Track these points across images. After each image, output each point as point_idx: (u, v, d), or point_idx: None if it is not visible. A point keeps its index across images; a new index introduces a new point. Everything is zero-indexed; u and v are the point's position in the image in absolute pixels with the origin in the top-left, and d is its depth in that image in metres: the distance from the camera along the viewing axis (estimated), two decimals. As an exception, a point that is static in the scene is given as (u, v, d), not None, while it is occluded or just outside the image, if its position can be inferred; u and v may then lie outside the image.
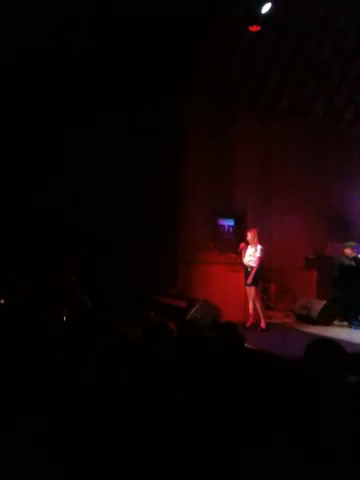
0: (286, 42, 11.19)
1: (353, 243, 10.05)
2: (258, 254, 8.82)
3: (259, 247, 8.86)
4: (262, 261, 8.86)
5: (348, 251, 9.83)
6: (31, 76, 9.50)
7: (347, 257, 9.82)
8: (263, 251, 8.84)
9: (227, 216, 11.85)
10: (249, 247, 8.95)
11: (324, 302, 9.65)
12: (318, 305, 9.60)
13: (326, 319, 9.49)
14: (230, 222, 11.98)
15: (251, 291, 8.83)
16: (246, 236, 9.09)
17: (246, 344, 4.08)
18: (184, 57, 10.39)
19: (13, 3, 8.59)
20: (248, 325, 8.69)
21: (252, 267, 8.82)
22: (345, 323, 9.56)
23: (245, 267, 8.96)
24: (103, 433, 2.50)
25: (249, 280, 8.80)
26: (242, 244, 9.01)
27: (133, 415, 2.57)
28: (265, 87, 11.69)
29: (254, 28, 9.90)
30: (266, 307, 9.84)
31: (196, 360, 3.20)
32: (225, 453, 2.26)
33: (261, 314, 8.83)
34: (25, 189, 9.79)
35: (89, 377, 3.08)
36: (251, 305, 8.86)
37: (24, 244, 9.43)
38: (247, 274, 8.88)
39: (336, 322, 9.61)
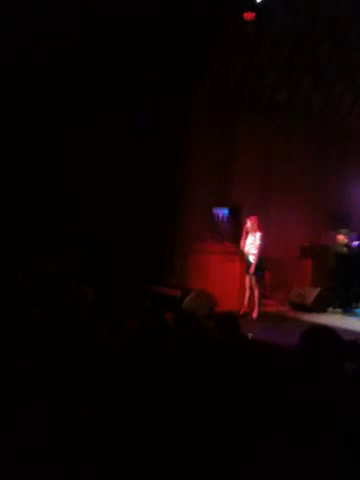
0: (285, 39, 11.15)
1: (345, 230, 10.08)
2: (258, 242, 8.78)
3: (259, 234, 8.80)
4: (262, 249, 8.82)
5: (340, 237, 9.85)
6: (31, 76, 9.44)
7: (340, 244, 9.86)
8: (263, 238, 8.81)
9: (224, 205, 11.86)
10: (249, 235, 8.90)
11: (318, 290, 9.72)
12: (312, 293, 9.67)
13: (320, 307, 9.56)
14: (225, 211, 11.98)
15: (252, 279, 8.82)
16: (245, 223, 9.05)
17: (246, 333, 4.09)
18: (184, 55, 10.33)
19: (14, 3, 8.52)
20: (241, 313, 8.73)
21: (253, 255, 8.79)
22: (339, 310, 9.62)
23: (246, 255, 8.94)
24: (102, 432, 2.51)
25: (252, 269, 8.77)
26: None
27: (132, 413, 2.58)
28: (264, 83, 11.66)
29: (248, 15, 9.85)
30: (262, 296, 9.88)
31: (194, 354, 3.19)
32: (226, 451, 2.28)
33: (257, 304, 8.85)
34: (25, 189, 9.78)
35: (87, 374, 3.09)
36: (248, 294, 8.87)
37: (23, 237, 9.44)
38: (248, 263, 8.85)
39: (330, 309, 9.68)
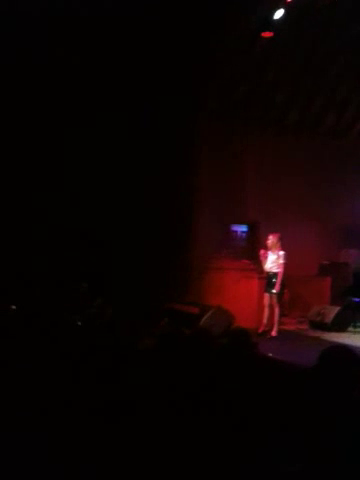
0: (295, 56, 11.15)
1: None
2: (281, 260, 8.65)
3: (282, 253, 8.68)
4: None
5: None
6: (31, 75, 9.44)
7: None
8: (286, 257, 8.71)
9: (240, 222, 11.81)
10: (270, 253, 8.76)
11: (338, 308, 9.58)
12: (332, 312, 9.53)
13: (340, 326, 9.41)
14: (243, 228, 11.94)
15: (273, 298, 8.72)
16: (266, 240, 8.90)
17: (260, 351, 4.05)
18: (194, 68, 10.34)
19: (13, 2, 8.59)
20: (260, 331, 8.62)
21: (276, 274, 8.66)
22: (359, 329, 9.48)
23: (267, 274, 8.82)
24: (102, 432, 2.50)
25: (277, 288, 8.63)
26: (262, 250, 8.86)
27: (132, 413, 2.57)
28: (275, 100, 11.65)
29: (267, 34, 9.92)
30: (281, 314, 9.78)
31: (205, 366, 3.17)
32: (225, 451, 2.25)
33: (276, 322, 8.74)
34: (26, 191, 9.77)
35: (87, 374, 3.08)
36: (267, 312, 8.74)
37: (35, 250, 9.45)
38: (270, 281, 8.74)
39: (350, 328, 9.54)
